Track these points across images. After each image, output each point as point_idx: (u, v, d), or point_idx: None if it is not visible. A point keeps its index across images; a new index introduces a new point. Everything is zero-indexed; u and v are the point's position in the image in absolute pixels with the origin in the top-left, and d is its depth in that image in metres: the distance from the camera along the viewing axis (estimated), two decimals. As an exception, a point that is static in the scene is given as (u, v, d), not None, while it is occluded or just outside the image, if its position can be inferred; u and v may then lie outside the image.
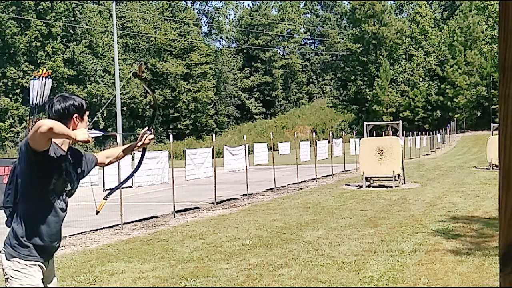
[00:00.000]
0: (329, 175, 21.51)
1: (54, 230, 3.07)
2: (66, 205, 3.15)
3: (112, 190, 3.69)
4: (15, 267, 2.97)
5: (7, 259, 3.00)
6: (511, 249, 0.98)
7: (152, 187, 13.09)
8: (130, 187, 11.43)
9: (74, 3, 51.20)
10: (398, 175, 16.51)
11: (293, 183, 18.58)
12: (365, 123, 19.83)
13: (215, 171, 13.88)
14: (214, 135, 18.49)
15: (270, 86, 70.94)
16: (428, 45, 61.29)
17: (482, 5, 59.51)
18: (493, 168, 20.97)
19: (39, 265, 3.02)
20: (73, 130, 2.98)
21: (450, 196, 13.73)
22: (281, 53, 73.90)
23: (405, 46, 61.79)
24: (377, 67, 60.11)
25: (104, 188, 9.81)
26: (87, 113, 3.20)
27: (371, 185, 16.91)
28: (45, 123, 2.69)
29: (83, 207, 9.04)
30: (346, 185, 17.90)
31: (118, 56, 39.53)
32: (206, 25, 73.18)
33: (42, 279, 3.02)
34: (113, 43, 38.21)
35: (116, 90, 39.41)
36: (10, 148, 43.17)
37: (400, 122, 20.19)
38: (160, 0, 62.74)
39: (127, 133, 18.92)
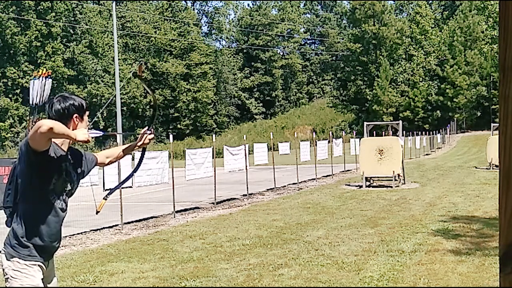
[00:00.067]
0: (329, 175, 21.51)
1: (54, 230, 3.07)
2: (66, 205, 3.15)
3: (112, 190, 3.69)
4: (15, 267, 2.97)
5: (7, 259, 3.00)
6: (511, 249, 0.98)
7: (152, 187, 13.09)
8: (130, 187, 11.43)
9: (74, 3, 51.20)
10: (398, 175, 16.51)
11: (293, 183, 18.58)
12: (365, 123, 19.83)
13: (215, 171, 13.88)
14: (214, 135, 18.49)
15: (270, 86, 70.95)
16: (428, 45, 61.29)
17: (482, 5, 59.51)
18: (493, 168, 20.97)
19: (39, 265, 3.02)
20: (73, 130, 2.98)
21: (450, 196, 13.73)
22: (281, 53, 73.92)
23: (405, 46, 61.80)
24: (377, 67, 60.11)
25: (104, 188, 9.81)
26: (87, 113, 3.20)
27: (371, 185, 16.91)
28: (45, 123, 2.69)
29: (83, 207, 9.04)
30: (346, 185, 17.90)
31: (118, 56, 39.53)
32: (206, 25, 73.28)
33: (42, 279, 3.02)
34: (113, 43, 38.22)
35: (116, 90, 39.42)
36: (10, 148, 43.17)
37: (400, 122, 20.19)
38: (160, 0, 62.74)
39: (127, 133, 18.87)
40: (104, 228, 10.54)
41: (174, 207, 11.92)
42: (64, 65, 49.26)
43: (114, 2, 37.03)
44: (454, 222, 9.59)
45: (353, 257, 7.13)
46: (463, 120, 57.59)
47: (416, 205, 12.25)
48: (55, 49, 49.25)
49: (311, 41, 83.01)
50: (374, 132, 27.67)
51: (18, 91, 47.29)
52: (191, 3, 71.47)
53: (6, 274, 3.00)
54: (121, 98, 43.70)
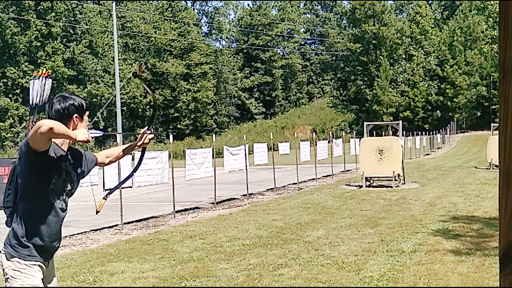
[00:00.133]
0: (329, 175, 21.51)
1: (54, 230, 3.07)
2: (66, 205, 3.15)
3: (112, 190, 3.69)
4: (15, 267, 2.97)
5: (7, 259, 3.00)
6: (511, 249, 0.98)
7: (152, 187, 13.09)
8: (130, 187, 11.43)
9: (74, 3, 51.20)
10: (398, 175, 16.51)
11: (293, 183, 18.58)
12: (365, 123, 19.83)
13: (215, 171, 13.88)
14: (214, 135, 18.49)
15: (270, 86, 70.95)
16: (428, 45, 61.30)
17: (482, 5, 59.51)
18: (493, 168, 20.97)
19: (39, 265, 3.02)
20: (73, 130, 2.98)
21: (450, 196, 13.73)
22: (281, 53, 73.92)
23: (405, 46, 61.79)
24: (377, 67, 60.11)
25: (104, 188, 9.81)
26: (87, 113, 3.20)
27: (371, 185, 16.91)
28: (45, 123, 2.69)
29: (83, 207, 9.04)
30: (346, 185, 17.90)
31: (118, 56, 39.54)
32: (206, 25, 73.29)
33: (42, 279, 3.02)
34: (113, 43, 38.23)
35: (116, 90, 39.43)
36: (10, 148, 43.18)
37: (400, 122, 20.18)
38: (160, 0, 62.75)
39: (127, 133, 18.86)
40: (104, 228, 10.54)
41: (174, 207, 11.92)
42: (64, 65, 49.26)
43: (114, 2, 37.03)
44: (454, 222, 9.59)
45: (353, 257, 7.13)
46: (463, 120, 57.60)
47: (416, 205, 12.25)
48: (55, 49, 49.25)
49: (311, 41, 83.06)
50: (374, 132, 27.67)
51: (18, 91, 47.30)
52: (191, 3, 71.50)
53: (6, 274, 3.00)
54: (121, 98, 43.72)
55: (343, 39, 71.65)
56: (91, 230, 10.27)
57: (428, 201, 12.81)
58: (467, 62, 55.85)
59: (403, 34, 61.08)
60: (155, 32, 59.96)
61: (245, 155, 15.73)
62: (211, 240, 8.75)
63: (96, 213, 3.43)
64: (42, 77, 3.55)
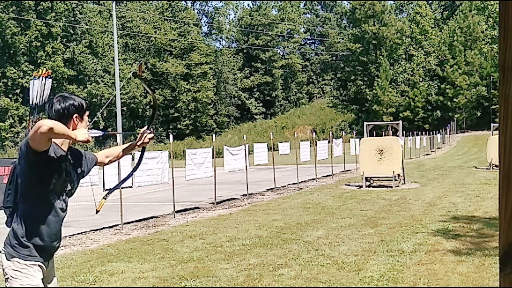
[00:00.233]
0: (329, 175, 21.51)
1: (54, 230, 3.07)
2: (66, 205, 3.15)
3: (111, 189, 3.69)
4: (15, 267, 2.97)
5: (7, 259, 3.00)
6: (511, 249, 0.98)
7: (152, 187, 13.09)
8: (130, 187, 11.44)
9: (74, 3, 51.20)
10: (398, 175, 16.51)
11: (293, 183, 18.58)
12: (365, 123, 19.83)
13: (215, 171, 13.88)
14: (214, 135, 18.49)
15: (270, 86, 70.95)
16: (428, 45, 61.29)
17: (482, 5, 59.51)
18: (493, 168, 20.97)
19: (39, 265, 3.02)
20: (73, 130, 2.98)
21: (450, 196, 13.73)
22: (281, 53, 73.92)
23: (405, 46, 61.79)
24: (377, 67, 60.11)
25: (104, 188, 9.81)
26: (87, 113, 3.20)
27: (371, 185, 16.91)
28: (45, 123, 2.69)
29: (83, 207, 9.04)
30: (346, 185, 17.90)
31: (118, 56, 39.55)
32: (206, 25, 73.28)
33: (42, 279, 3.02)
34: (113, 43, 38.24)
35: (116, 90, 39.44)
36: (10, 148, 43.17)
37: (400, 122, 20.19)
38: (160, 0, 62.75)
39: (127, 133, 18.79)
40: (104, 228, 10.54)
41: (174, 207, 11.92)
42: (64, 65, 49.26)
43: (114, 2, 37.03)
44: (454, 222, 9.59)
45: (353, 257, 7.13)
46: (463, 120, 57.60)
47: (416, 205, 12.25)
48: (55, 49, 49.25)
49: (311, 41, 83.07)
50: (374, 132, 27.67)
51: (18, 91, 47.29)
52: (191, 3, 71.49)
53: (6, 274, 3.00)
54: (121, 98, 43.72)
55: (343, 39, 71.64)
56: (91, 230, 10.27)
57: (428, 201, 12.81)
58: (467, 62, 55.86)
59: (403, 34, 61.08)
60: (155, 32, 59.96)
61: (245, 155, 15.73)
62: (211, 240, 8.75)
63: (96, 213, 3.43)
64: (42, 77, 3.54)
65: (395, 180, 16.36)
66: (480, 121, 55.46)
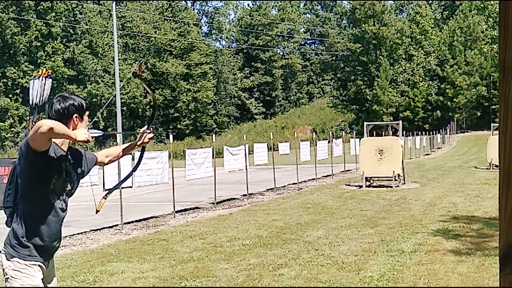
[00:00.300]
0: (329, 175, 21.51)
1: (54, 230, 3.07)
2: (66, 205, 3.15)
3: (111, 189, 3.69)
4: (15, 267, 2.97)
5: (7, 259, 3.00)
6: (511, 249, 0.98)
7: (152, 187, 13.09)
8: (130, 187, 11.44)
9: (74, 3, 51.20)
10: (398, 175, 16.51)
11: (293, 183, 18.58)
12: (365, 123, 19.83)
13: (215, 171, 13.88)
14: (214, 135, 18.49)
15: (270, 86, 70.94)
16: (428, 45, 61.29)
17: (482, 5, 59.51)
18: (493, 168, 20.97)
19: (39, 265, 3.02)
20: (73, 130, 2.98)
21: (450, 196, 13.72)
22: (281, 53, 73.92)
23: (405, 46, 61.79)
24: (377, 67, 60.11)
25: (104, 188, 9.81)
26: (87, 113, 3.20)
27: (371, 185, 16.91)
28: (45, 123, 2.69)
29: (83, 207, 9.04)
30: (346, 185, 17.90)
31: (118, 56, 39.55)
32: (206, 25, 73.28)
33: (42, 279, 3.02)
34: (113, 43, 38.24)
35: (116, 90, 39.44)
36: (10, 148, 43.17)
37: (400, 122, 20.19)
38: (160, 0, 62.75)
39: (127, 133, 18.78)
40: (104, 228, 10.54)
41: (174, 207, 11.92)
42: (64, 65, 49.25)
43: (114, 2, 37.04)
44: (454, 222, 9.59)
45: (353, 257, 7.13)
46: (463, 120, 57.60)
47: (416, 205, 12.25)
48: (55, 49, 49.24)
49: (311, 41, 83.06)
50: (374, 132, 27.67)
51: (18, 91, 47.29)
52: (191, 3, 71.49)
53: (6, 274, 3.00)
54: (121, 98, 43.72)
55: (343, 39, 71.63)
56: (91, 230, 10.27)
57: (428, 201, 12.81)
58: (467, 62, 55.85)
59: (403, 34, 61.08)
60: (155, 32, 59.96)
61: (245, 155, 15.73)
62: (211, 240, 8.75)
63: (96, 213, 3.43)
64: (42, 77, 3.54)
65: (395, 180, 16.36)
66: (480, 121, 55.45)
